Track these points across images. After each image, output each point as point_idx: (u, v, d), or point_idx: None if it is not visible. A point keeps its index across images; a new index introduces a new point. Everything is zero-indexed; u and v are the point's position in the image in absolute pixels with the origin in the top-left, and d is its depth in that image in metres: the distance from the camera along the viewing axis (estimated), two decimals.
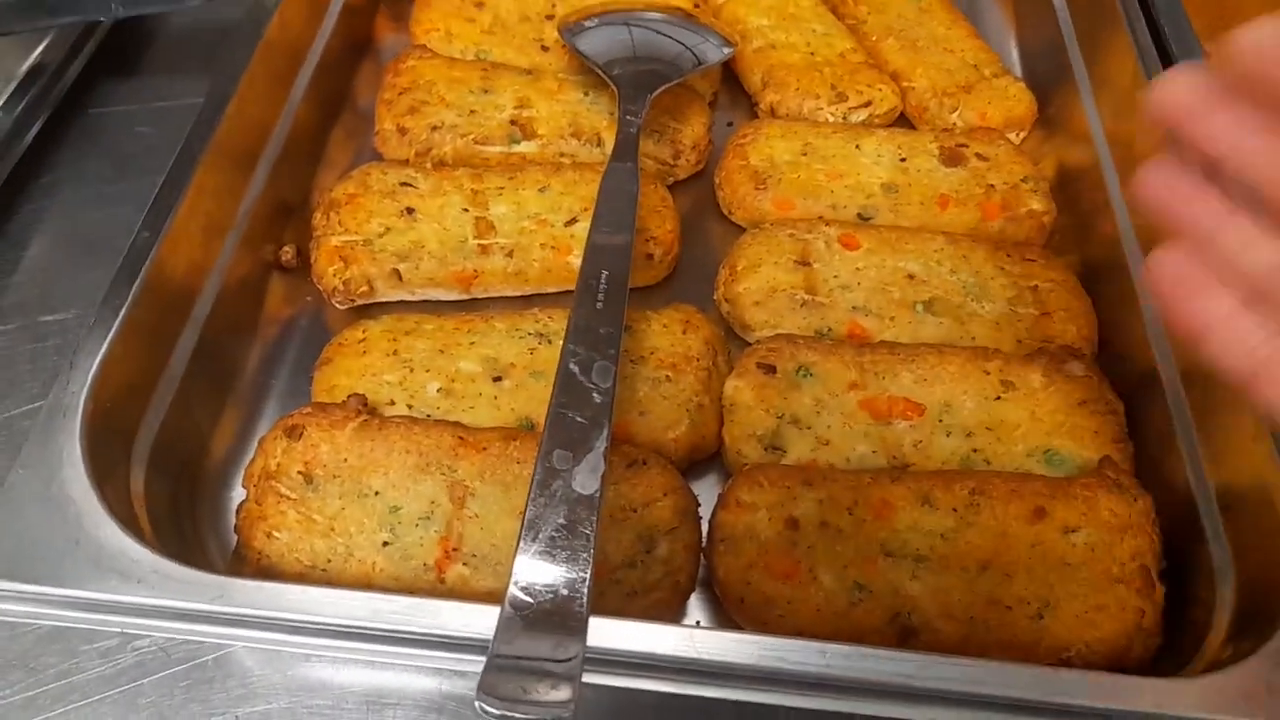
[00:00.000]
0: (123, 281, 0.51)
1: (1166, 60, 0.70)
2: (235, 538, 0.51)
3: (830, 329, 0.62)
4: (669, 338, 0.60)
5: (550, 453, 0.44)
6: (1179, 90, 0.33)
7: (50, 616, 0.42)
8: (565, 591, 0.40)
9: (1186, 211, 0.35)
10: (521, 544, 0.41)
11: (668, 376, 0.58)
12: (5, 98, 0.71)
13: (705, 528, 0.53)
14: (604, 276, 0.52)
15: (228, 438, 0.57)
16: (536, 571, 0.40)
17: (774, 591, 0.50)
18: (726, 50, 0.74)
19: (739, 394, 0.58)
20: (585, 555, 0.41)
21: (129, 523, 0.44)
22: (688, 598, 0.52)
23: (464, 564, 0.50)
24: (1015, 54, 0.86)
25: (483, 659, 0.37)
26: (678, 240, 0.67)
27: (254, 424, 0.58)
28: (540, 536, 0.41)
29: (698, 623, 0.53)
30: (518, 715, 0.36)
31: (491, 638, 0.38)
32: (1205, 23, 0.76)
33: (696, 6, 0.80)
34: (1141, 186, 0.36)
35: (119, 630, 0.43)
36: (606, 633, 0.41)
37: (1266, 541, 0.47)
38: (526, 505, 0.42)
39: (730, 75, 0.81)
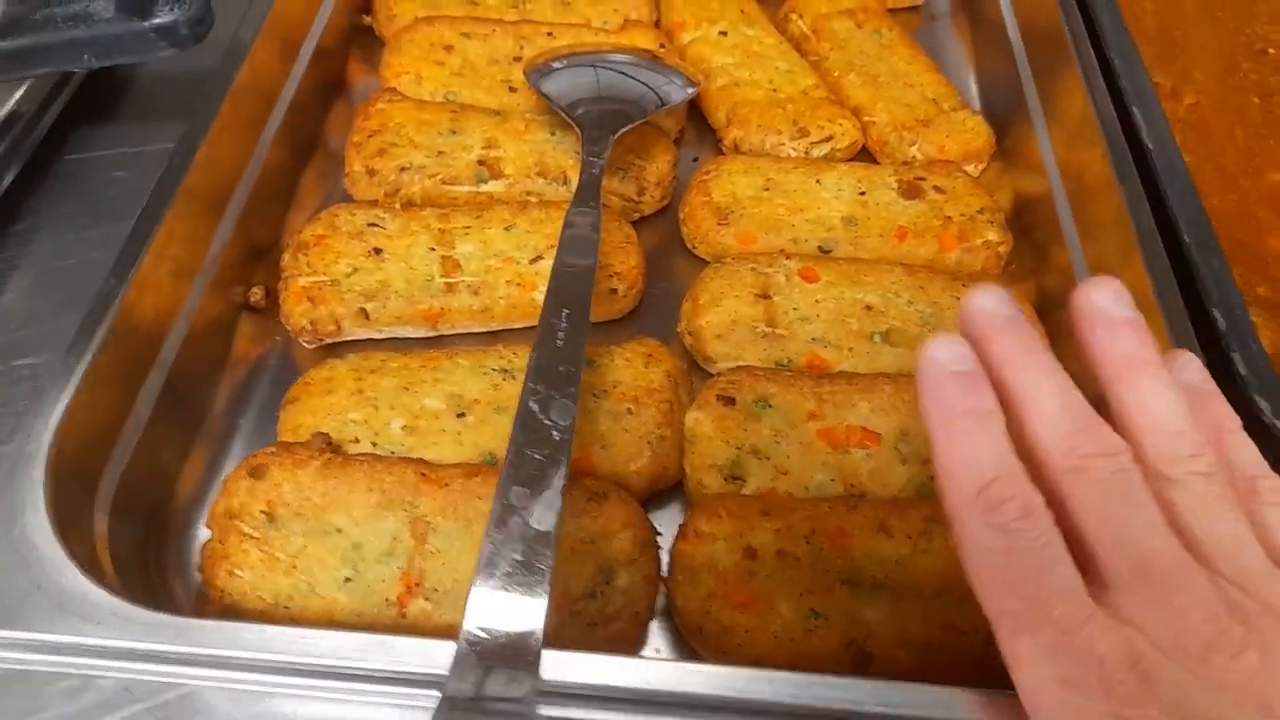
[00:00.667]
0: (87, 329, 0.51)
1: (1115, 94, 0.72)
2: (198, 576, 0.52)
3: (790, 360, 0.63)
4: (631, 371, 0.61)
5: (509, 490, 0.45)
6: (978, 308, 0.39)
7: (11, 660, 0.42)
8: (521, 627, 0.41)
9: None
10: (478, 580, 0.42)
11: (630, 409, 0.59)
12: None
13: (666, 558, 0.54)
14: (565, 315, 0.54)
15: (194, 478, 0.58)
16: (492, 607, 0.41)
17: (732, 621, 0.51)
18: (690, 90, 0.76)
19: (699, 425, 0.59)
20: (541, 591, 0.42)
21: (91, 567, 0.45)
22: (646, 627, 0.53)
23: (425, 599, 0.51)
24: (974, 88, 0.89)
25: (439, 695, 0.38)
26: (642, 275, 0.68)
27: (221, 464, 0.59)
28: (496, 573, 0.42)
29: (657, 651, 0.54)
30: None
31: (446, 674, 0.39)
32: (1154, 55, 0.79)
33: (662, 47, 0.82)
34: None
35: (80, 672, 0.43)
36: (561, 665, 0.41)
37: None
38: (483, 542, 0.43)
39: (696, 112, 0.82)
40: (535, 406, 0.49)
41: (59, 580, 0.43)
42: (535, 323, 0.54)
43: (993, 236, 0.71)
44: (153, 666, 0.42)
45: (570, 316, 0.54)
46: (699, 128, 0.82)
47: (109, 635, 0.42)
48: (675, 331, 0.67)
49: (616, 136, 0.67)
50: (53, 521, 0.45)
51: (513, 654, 0.40)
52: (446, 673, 0.39)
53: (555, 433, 0.48)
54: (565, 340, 0.52)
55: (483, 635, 0.40)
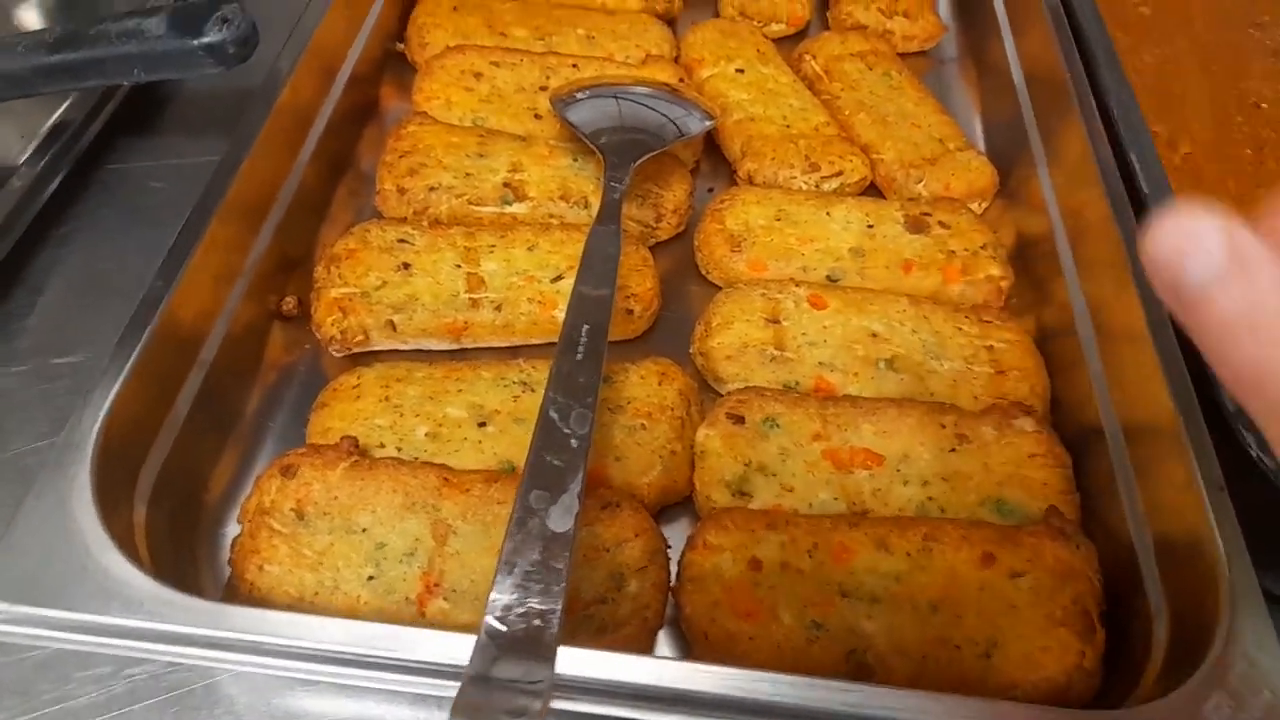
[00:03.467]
0: (137, 326, 0.54)
1: (1114, 139, 0.75)
2: (229, 570, 0.54)
3: (798, 383, 0.66)
4: (645, 388, 0.64)
5: (528, 493, 0.48)
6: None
7: (55, 639, 0.44)
8: (538, 621, 0.43)
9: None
10: (498, 576, 0.44)
11: (643, 425, 0.62)
12: (29, 153, 0.75)
13: (675, 568, 0.56)
14: (585, 330, 0.56)
15: (226, 476, 0.61)
16: (511, 602, 0.44)
17: (736, 629, 0.53)
18: (707, 122, 0.79)
19: (709, 442, 0.61)
20: (557, 589, 0.44)
21: (131, 553, 0.47)
22: (656, 634, 0.55)
23: (444, 599, 0.53)
24: (980, 130, 0.92)
25: (459, 685, 0.40)
26: (657, 297, 0.71)
27: (252, 463, 0.62)
28: (516, 570, 0.45)
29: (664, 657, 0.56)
30: None
31: (467, 663, 0.41)
32: (1152, 104, 0.82)
33: (681, 81, 0.86)
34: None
35: (115, 655, 0.45)
36: (574, 661, 0.44)
37: (1195, 586, 0.51)
38: (504, 541, 0.46)
39: (712, 145, 0.86)
40: (555, 415, 0.52)
41: (103, 563, 0.45)
42: (555, 339, 0.57)
43: (995, 271, 0.74)
44: (186, 649, 0.45)
45: (590, 331, 0.56)
46: (714, 160, 0.86)
47: (148, 619, 0.44)
48: (688, 353, 0.70)
49: (637, 164, 0.71)
50: (98, 506, 0.47)
51: (530, 646, 0.42)
52: (467, 664, 0.42)
53: (573, 440, 0.51)
54: (585, 353, 0.55)
55: (501, 628, 0.43)
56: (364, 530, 0.55)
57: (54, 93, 0.76)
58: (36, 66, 0.69)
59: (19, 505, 0.47)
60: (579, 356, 0.55)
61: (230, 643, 0.45)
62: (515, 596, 0.44)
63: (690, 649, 0.54)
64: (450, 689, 0.44)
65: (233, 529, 0.56)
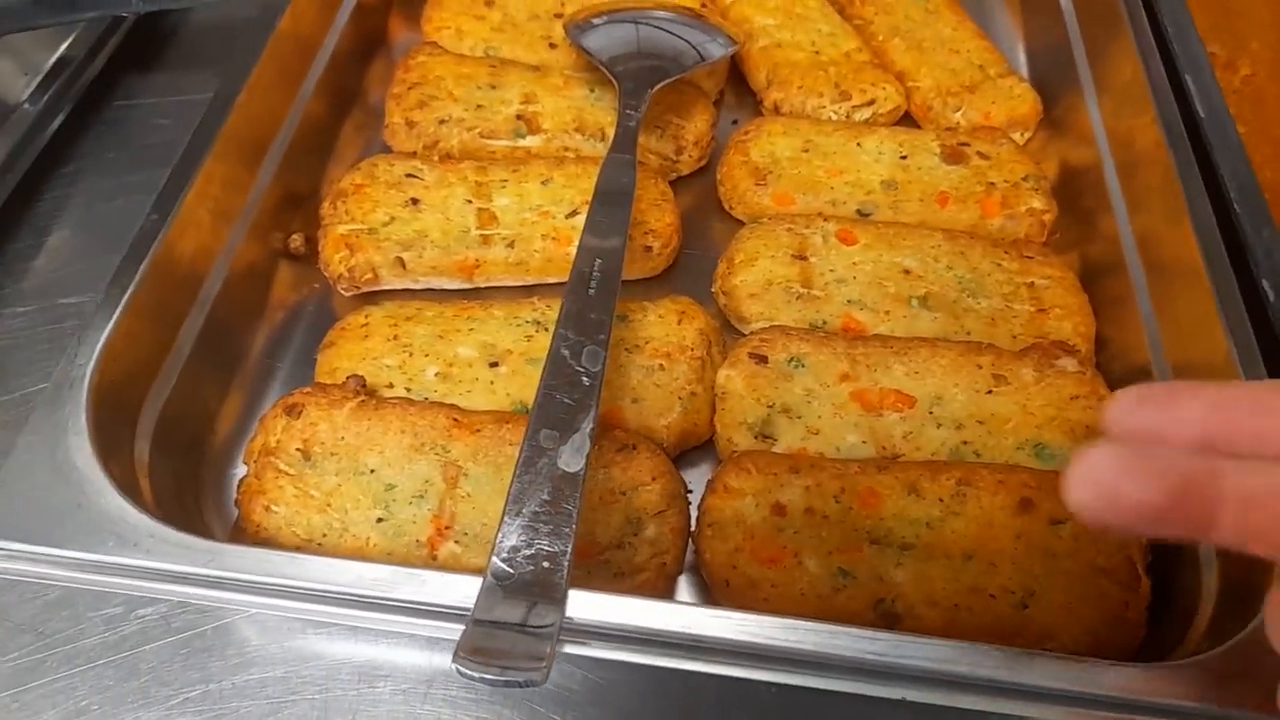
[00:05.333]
0: (130, 263, 0.53)
1: (1169, 62, 0.70)
2: (236, 511, 0.53)
3: (825, 322, 0.63)
4: (664, 328, 0.61)
5: (537, 432, 0.46)
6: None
7: (53, 578, 0.43)
8: (546, 564, 0.41)
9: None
10: (506, 518, 0.42)
11: (661, 365, 0.59)
12: (31, 90, 0.73)
13: (695, 512, 0.54)
14: (597, 265, 0.54)
15: (232, 417, 0.59)
16: (519, 544, 0.42)
17: (759, 575, 0.51)
18: (730, 48, 0.75)
19: (730, 383, 0.58)
20: (567, 530, 0.42)
21: (133, 492, 0.46)
22: (674, 580, 0.53)
23: (455, 542, 0.51)
24: (1023, 56, 0.87)
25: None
26: (677, 233, 0.68)
27: (258, 404, 0.60)
28: (524, 511, 0.43)
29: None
30: (494, 677, 0.37)
31: (473, 605, 0.39)
32: (1209, 23, 0.77)
33: (704, 5, 0.81)
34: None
35: (121, 594, 0.44)
36: (586, 604, 0.42)
37: None
38: (512, 482, 0.43)
39: (736, 75, 0.82)
40: (565, 352, 0.49)
41: (99, 501, 0.44)
42: None
43: (1037, 204, 0.69)
44: (189, 589, 0.43)
45: (603, 266, 0.54)
46: (739, 91, 0.82)
47: (147, 558, 0.43)
48: (709, 291, 0.67)
49: (655, 91, 0.67)
50: (94, 444, 0.46)
51: (539, 589, 0.40)
52: (471, 606, 0.40)
53: (585, 378, 0.48)
54: (597, 290, 0.52)
55: (509, 570, 0.41)
56: (372, 471, 0.53)
57: (52, 25, 0.74)
58: None
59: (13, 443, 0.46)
60: (591, 292, 0.52)
61: (236, 583, 0.43)
62: (523, 538, 0.42)
63: (710, 596, 0.52)
64: (460, 632, 0.43)
65: (238, 469, 0.55)
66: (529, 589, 0.40)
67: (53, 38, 0.76)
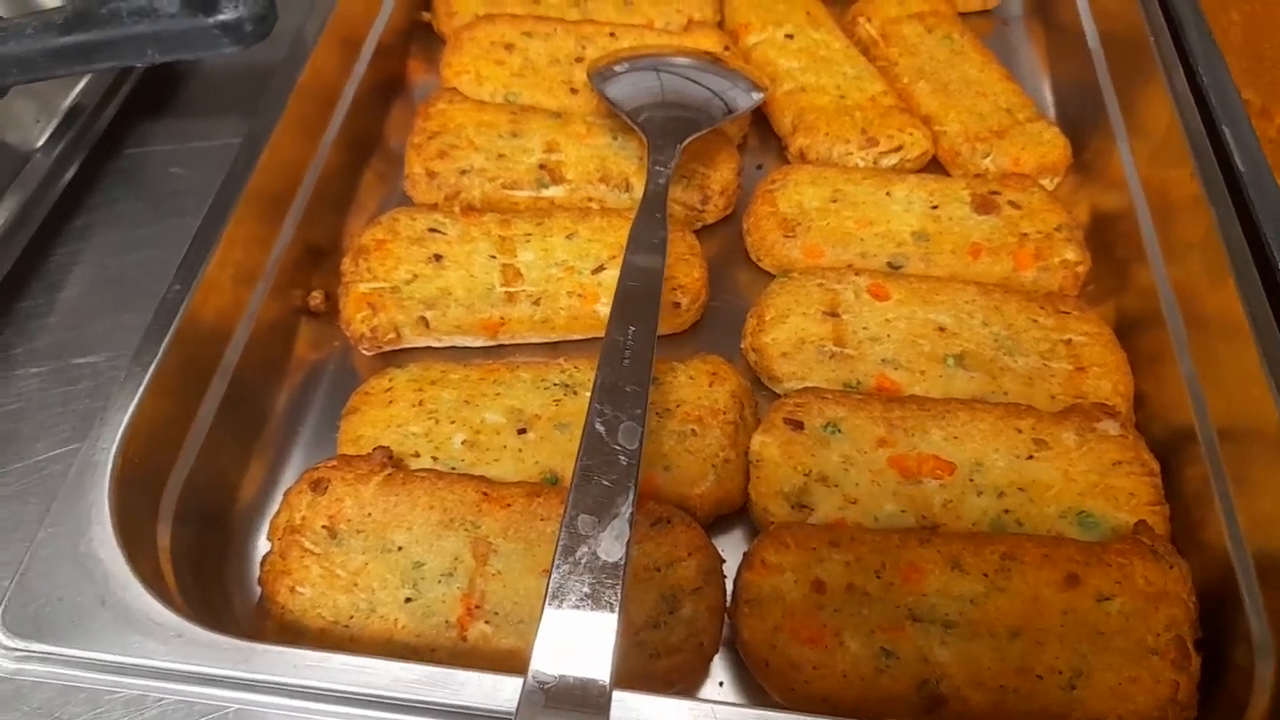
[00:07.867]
0: (154, 336, 0.51)
1: (1203, 106, 0.69)
2: (259, 590, 0.51)
3: (859, 382, 0.61)
4: (696, 390, 0.59)
5: (575, 518, 0.44)
6: None
7: (75, 678, 0.42)
8: (589, 668, 0.39)
9: None
10: (545, 614, 0.41)
11: (694, 430, 0.58)
12: (45, 138, 0.72)
13: (730, 585, 0.52)
14: (631, 332, 0.52)
15: (254, 485, 0.58)
16: (559, 644, 0.40)
17: (800, 656, 0.49)
18: (756, 96, 0.73)
19: (766, 450, 0.57)
20: (610, 628, 0.41)
21: (155, 579, 0.45)
22: (711, 660, 0.51)
23: (486, 622, 0.50)
24: (1049, 95, 0.86)
25: None
26: (705, 288, 0.66)
27: (280, 471, 0.59)
28: (564, 606, 0.41)
29: (720, 684, 0.52)
30: None
31: (513, 715, 0.38)
32: (1241, 67, 0.75)
33: (726, 49, 0.80)
34: None
35: (141, 692, 0.43)
36: (630, 708, 0.40)
37: None
38: (550, 572, 0.42)
39: (760, 117, 0.80)
40: (602, 429, 0.48)
41: (123, 597, 0.43)
42: (596, 334, 0.52)
43: (1071, 255, 0.68)
44: (214, 690, 0.42)
45: (637, 334, 0.52)
46: (762, 133, 0.80)
47: (173, 658, 0.41)
48: (738, 347, 0.65)
49: (683, 145, 0.66)
50: (118, 535, 0.44)
51: (582, 696, 0.39)
52: (511, 710, 0.38)
53: (623, 457, 0.46)
54: (632, 359, 0.51)
55: (550, 675, 0.39)
56: (400, 549, 0.51)
57: (67, 76, 0.73)
58: (47, 49, 0.65)
59: (34, 536, 0.44)
60: (625, 362, 0.51)
61: (262, 685, 0.42)
62: (564, 637, 0.40)
63: (749, 677, 0.51)
64: None
65: (262, 542, 0.53)
66: (572, 695, 0.39)
67: (65, 83, 0.74)
